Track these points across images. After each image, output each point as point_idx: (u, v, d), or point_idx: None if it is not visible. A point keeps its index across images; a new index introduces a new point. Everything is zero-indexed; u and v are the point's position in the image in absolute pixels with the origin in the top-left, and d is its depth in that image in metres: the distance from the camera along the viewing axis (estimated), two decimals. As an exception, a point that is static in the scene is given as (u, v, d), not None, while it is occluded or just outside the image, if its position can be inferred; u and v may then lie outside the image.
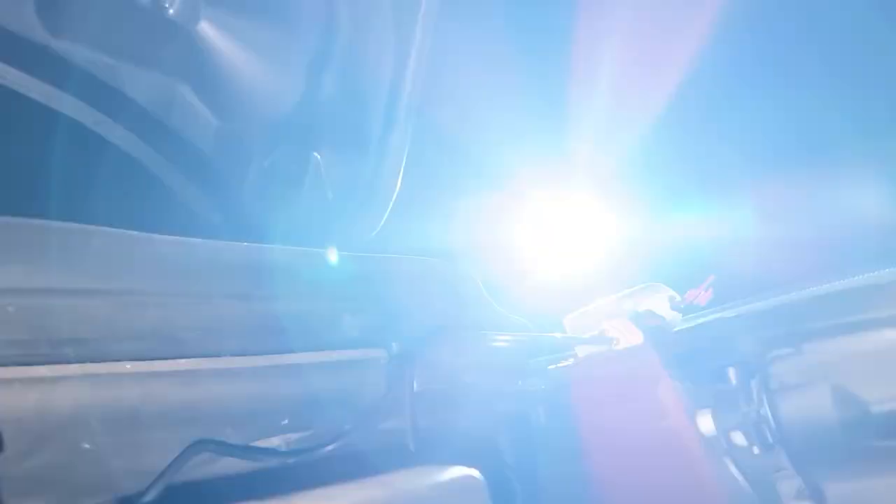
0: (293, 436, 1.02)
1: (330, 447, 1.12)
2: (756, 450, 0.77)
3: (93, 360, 0.72)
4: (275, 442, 1.01)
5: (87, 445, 0.75)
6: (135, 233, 0.73)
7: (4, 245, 0.64)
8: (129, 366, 0.75)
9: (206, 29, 1.40)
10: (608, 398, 1.17)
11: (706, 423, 0.81)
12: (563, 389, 1.18)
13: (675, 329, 0.91)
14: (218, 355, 0.83)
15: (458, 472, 0.55)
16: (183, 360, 0.79)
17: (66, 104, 1.26)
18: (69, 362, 0.70)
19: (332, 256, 0.92)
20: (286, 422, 0.93)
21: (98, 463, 0.79)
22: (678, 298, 1.06)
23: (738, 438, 0.79)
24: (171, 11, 1.34)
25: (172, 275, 0.78)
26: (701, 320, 0.88)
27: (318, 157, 1.60)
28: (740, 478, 0.87)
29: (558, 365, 1.18)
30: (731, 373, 0.78)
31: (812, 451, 0.72)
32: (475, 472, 0.56)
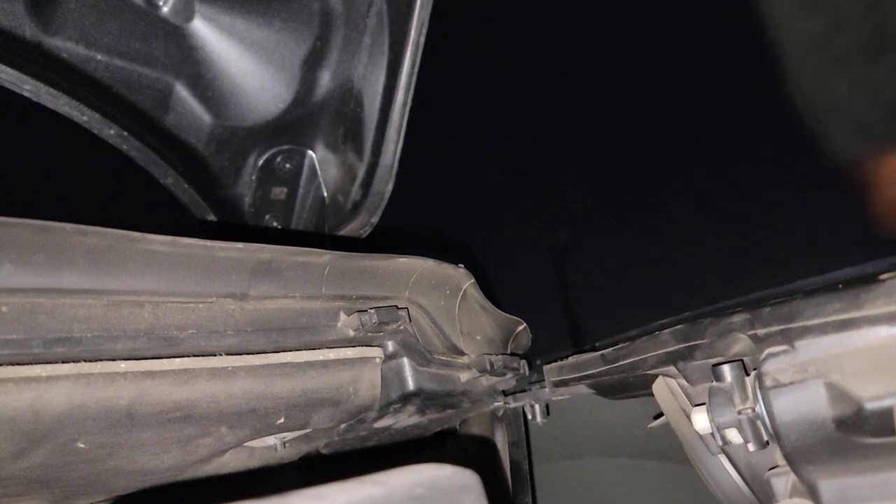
0: (289, 435, 1.02)
1: (326, 446, 1.12)
2: (751, 447, 0.77)
3: (87, 360, 0.72)
4: (270, 441, 1.01)
5: (81, 445, 0.75)
6: (129, 232, 0.72)
7: (-3, 244, 0.64)
8: (123, 365, 0.74)
9: (201, 27, 1.40)
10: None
11: (701, 421, 0.81)
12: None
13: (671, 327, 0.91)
14: (213, 354, 0.82)
15: (456, 472, 0.55)
16: (178, 360, 0.79)
17: (59, 102, 1.26)
18: (63, 362, 0.70)
19: (327, 255, 0.92)
20: (282, 421, 0.93)
21: (93, 463, 0.79)
22: None
23: (733, 436, 0.79)
24: (165, 10, 1.34)
25: (167, 274, 0.77)
26: (695, 317, 0.88)
27: (314, 155, 1.60)
28: (735, 475, 0.87)
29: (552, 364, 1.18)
30: (726, 370, 0.78)
31: (806, 448, 0.72)
32: (473, 472, 0.56)
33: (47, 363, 0.69)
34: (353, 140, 1.54)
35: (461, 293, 1.12)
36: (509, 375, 1.22)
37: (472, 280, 1.13)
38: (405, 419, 1.11)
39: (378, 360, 1.01)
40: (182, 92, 1.44)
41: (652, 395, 0.99)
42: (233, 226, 1.59)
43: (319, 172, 1.61)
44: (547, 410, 1.29)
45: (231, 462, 0.97)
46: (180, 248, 0.77)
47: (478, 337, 1.17)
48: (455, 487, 0.54)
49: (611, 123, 2.89)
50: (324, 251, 0.91)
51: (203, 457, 0.90)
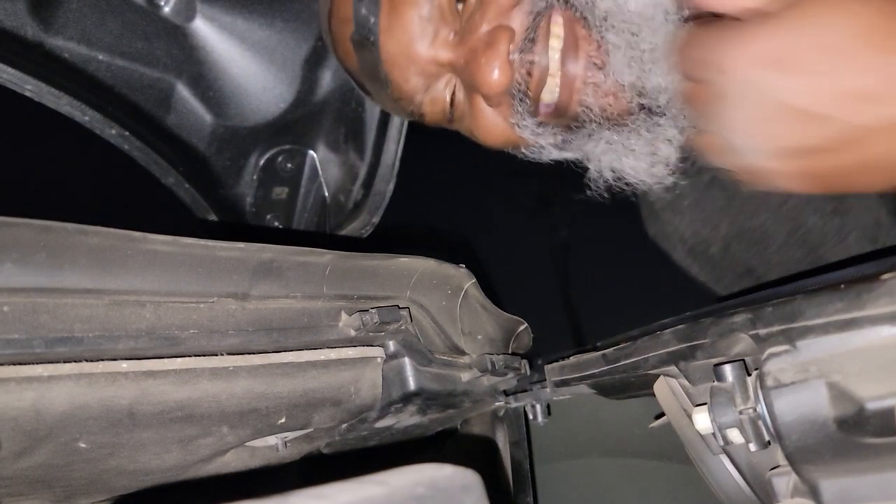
0: (290, 435, 1.02)
1: (327, 446, 1.12)
2: (752, 447, 0.77)
3: (88, 360, 0.72)
4: (271, 441, 1.01)
5: (83, 445, 0.75)
6: (131, 232, 0.72)
7: (-1, 244, 0.64)
8: (125, 365, 0.74)
9: (202, 27, 1.40)
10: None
11: (702, 421, 0.81)
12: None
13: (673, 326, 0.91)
14: (214, 354, 0.82)
15: (457, 471, 0.55)
16: (179, 360, 0.79)
17: (61, 102, 1.26)
18: (65, 361, 0.70)
19: (329, 255, 0.92)
20: (283, 420, 0.93)
21: (94, 462, 0.79)
22: None
23: (734, 436, 0.79)
24: (166, 10, 1.34)
25: (168, 274, 0.78)
26: (696, 317, 0.88)
27: (315, 155, 1.60)
28: (736, 475, 0.87)
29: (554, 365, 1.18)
30: (728, 370, 0.78)
31: (808, 448, 0.72)
32: (474, 472, 0.56)
33: (49, 363, 0.69)
34: (354, 140, 1.54)
35: (462, 293, 1.12)
36: (510, 375, 1.22)
37: (474, 280, 1.13)
38: (406, 419, 1.11)
39: (379, 359, 1.01)
40: (183, 92, 1.44)
41: (653, 395, 0.99)
42: (234, 226, 1.59)
43: (321, 172, 1.61)
44: (548, 410, 1.29)
45: (232, 462, 0.97)
46: (182, 247, 0.77)
47: (479, 337, 1.17)
48: (456, 487, 0.54)
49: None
50: (325, 251, 0.91)
51: (205, 456, 0.90)
